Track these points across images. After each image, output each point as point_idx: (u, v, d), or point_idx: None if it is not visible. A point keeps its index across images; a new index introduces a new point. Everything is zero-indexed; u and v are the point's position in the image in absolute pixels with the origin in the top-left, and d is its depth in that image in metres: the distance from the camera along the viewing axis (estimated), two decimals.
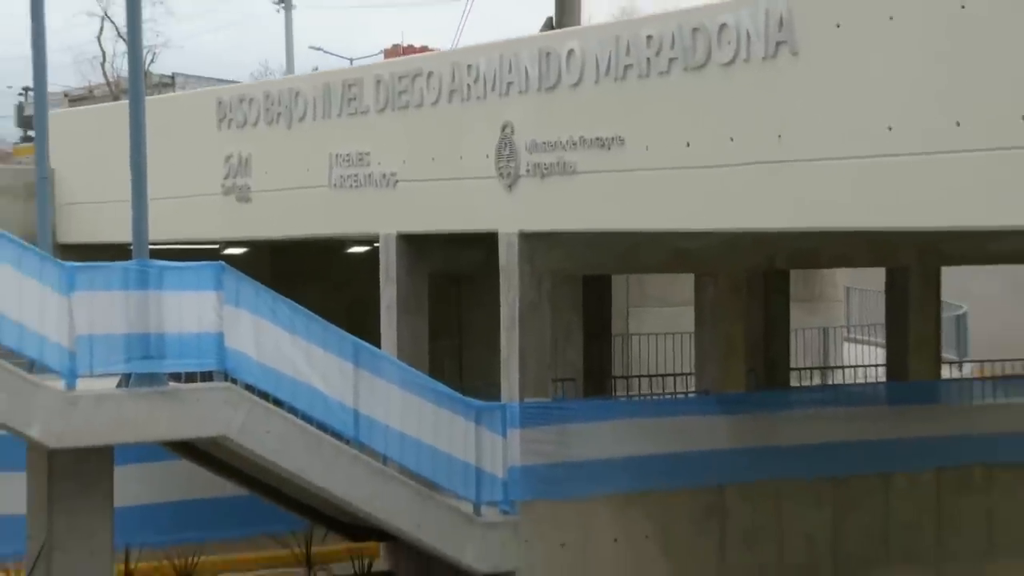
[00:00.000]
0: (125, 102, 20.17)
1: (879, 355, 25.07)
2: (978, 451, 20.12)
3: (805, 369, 24.02)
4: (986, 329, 28.22)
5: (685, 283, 21.28)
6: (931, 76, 12.71)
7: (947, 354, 24.80)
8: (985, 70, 12.20)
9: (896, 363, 20.98)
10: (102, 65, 64.44)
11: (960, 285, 27.17)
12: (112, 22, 60.66)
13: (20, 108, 67.66)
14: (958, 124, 12.38)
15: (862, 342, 30.36)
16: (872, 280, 26.92)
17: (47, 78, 22.43)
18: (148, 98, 18.92)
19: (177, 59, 75.95)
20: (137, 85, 17.77)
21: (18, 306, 15.57)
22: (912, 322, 20.72)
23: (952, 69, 12.53)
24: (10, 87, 61.86)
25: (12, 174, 27.13)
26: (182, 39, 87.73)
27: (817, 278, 30.23)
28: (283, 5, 61.39)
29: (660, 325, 26.02)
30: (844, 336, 31.55)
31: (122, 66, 54.36)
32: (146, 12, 44.51)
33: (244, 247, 22.40)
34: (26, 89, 55.46)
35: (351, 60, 54.33)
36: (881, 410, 20.30)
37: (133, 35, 18.36)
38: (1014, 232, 18.20)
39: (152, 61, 57.09)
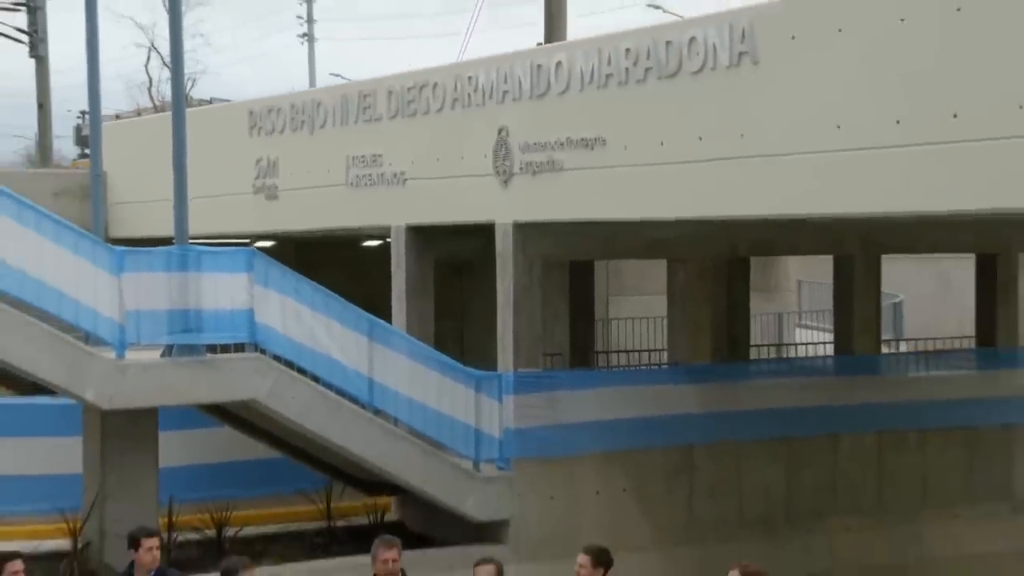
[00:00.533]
0: (167, 114, 20.21)
1: (827, 338, 25.04)
2: (913, 417, 20.16)
3: (763, 346, 24.02)
4: (919, 318, 28.27)
5: (657, 275, 21.17)
6: (874, 81, 12.78)
7: (886, 335, 24.76)
8: (922, 75, 12.29)
9: (842, 341, 21.02)
10: (148, 90, 64.47)
11: (897, 279, 27.19)
12: (158, 52, 60.69)
13: (78, 129, 67.31)
14: (898, 122, 12.42)
15: (812, 328, 30.42)
16: (821, 274, 26.91)
17: (100, 96, 22.48)
18: (189, 109, 18.98)
19: (214, 85, 75.98)
20: (179, 103, 18.01)
21: (75, 285, 15.54)
22: (856, 305, 20.73)
23: (893, 74, 12.60)
24: (69, 111, 61.48)
25: (72, 178, 27.05)
26: (218, 67, 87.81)
27: (773, 270, 30.25)
28: (306, 39, 61.35)
29: (635, 311, 26.11)
30: (796, 323, 31.58)
31: (166, 90, 54.15)
32: (187, 44, 44.61)
33: (272, 240, 22.34)
34: (83, 112, 55.12)
35: None
36: (829, 380, 20.35)
37: (176, 62, 18.49)
38: (942, 222, 18.38)
39: (192, 86, 56.91)
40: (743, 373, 20.10)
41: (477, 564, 11.20)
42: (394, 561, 11.04)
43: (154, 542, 11.39)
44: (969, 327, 22.85)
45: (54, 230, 15.69)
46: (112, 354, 15.62)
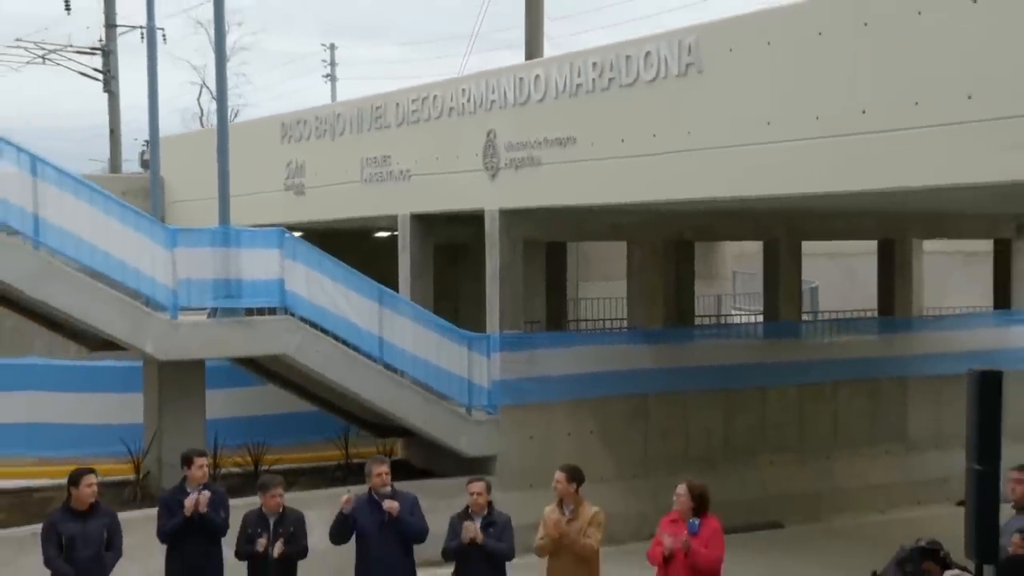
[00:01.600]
0: (212, 128, 20.17)
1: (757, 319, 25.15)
2: (827, 372, 20.18)
3: (705, 316, 24.00)
4: (830, 302, 28.38)
5: (619, 262, 21.09)
6: (798, 84, 12.76)
7: (804, 313, 24.77)
8: (836, 79, 12.28)
9: (770, 310, 20.99)
10: (200, 119, 64.45)
11: (813, 272, 27.37)
12: (208, 88, 60.31)
13: (142, 154, 67.19)
14: (817, 118, 12.39)
15: (743, 310, 30.49)
16: (752, 266, 27.00)
17: (159, 113, 22.53)
18: (232, 123, 18.93)
19: (253, 115, 76.02)
20: (223, 118, 18.19)
21: (137, 258, 15.39)
22: (782, 281, 20.72)
23: (812, 78, 12.58)
24: (136, 139, 61.45)
25: (136, 181, 27.44)
26: (257, 102, 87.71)
27: (713, 260, 30.40)
28: (329, 78, 61.09)
29: (601, 293, 26.25)
30: (732, 305, 31.63)
31: (216, 120, 54.03)
32: (231, 81, 44.74)
33: (300, 231, 22.14)
34: (146, 141, 55.06)
35: None
36: (759, 343, 20.32)
37: (221, 91, 18.41)
38: (851, 212, 18.37)
39: (235, 117, 56.79)
40: (689, 336, 20.03)
41: (470, 482, 11.16)
42: (386, 474, 11.06)
43: (203, 461, 11.39)
44: (871, 309, 22.94)
45: (120, 212, 15.52)
46: (167, 315, 15.50)
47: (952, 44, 10.93)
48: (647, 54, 14.55)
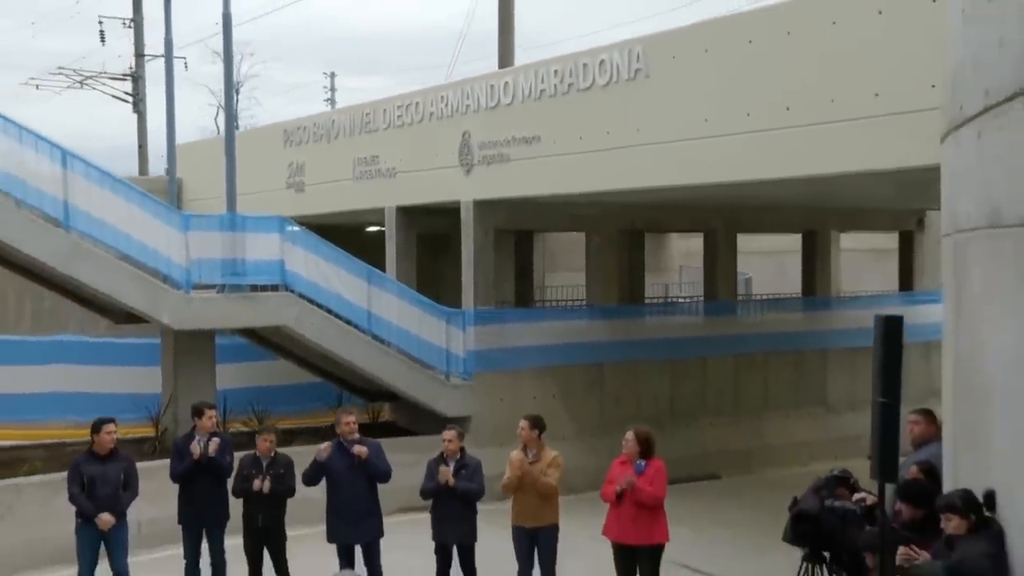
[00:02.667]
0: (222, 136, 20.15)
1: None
2: (758, 344, 20.20)
3: (654, 299, 23.97)
4: (762, 293, 28.47)
5: (581, 256, 21.00)
6: (730, 86, 12.78)
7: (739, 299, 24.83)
8: (764, 81, 12.32)
9: (709, 291, 21.04)
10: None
11: (748, 266, 27.44)
12: (224, 109, 60.03)
13: (167, 170, 66.63)
14: (748, 115, 12.43)
15: (688, 298, 30.43)
16: (696, 261, 27.02)
17: (175, 125, 22.39)
18: (241, 131, 18.84)
19: None
20: (230, 129, 18.53)
21: (155, 240, 15.32)
22: (719, 265, 20.78)
23: (743, 81, 12.63)
24: (162, 156, 61.23)
25: (158, 183, 26.85)
26: (267, 121, 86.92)
27: (662, 255, 30.36)
28: (329, 102, 60.66)
29: (564, 282, 26.05)
30: (678, 293, 31.64)
31: None
32: (243, 103, 44.84)
33: (301, 225, 22.08)
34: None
35: None
36: (700, 319, 20.38)
37: (229, 107, 18.32)
38: (779, 205, 18.41)
39: None
40: (640, 313, 20.04)
41: (445, 429, 11.17)
42: (353, 423, 11.03)
43: (212, 412, 11.34)
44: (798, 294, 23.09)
45: (139, 200, 15.45)
46: (181, 290, 15.42)
47: (862, 50, 11.01)
48: (601, 62, 14.56)
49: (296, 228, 16.84)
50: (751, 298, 24.13)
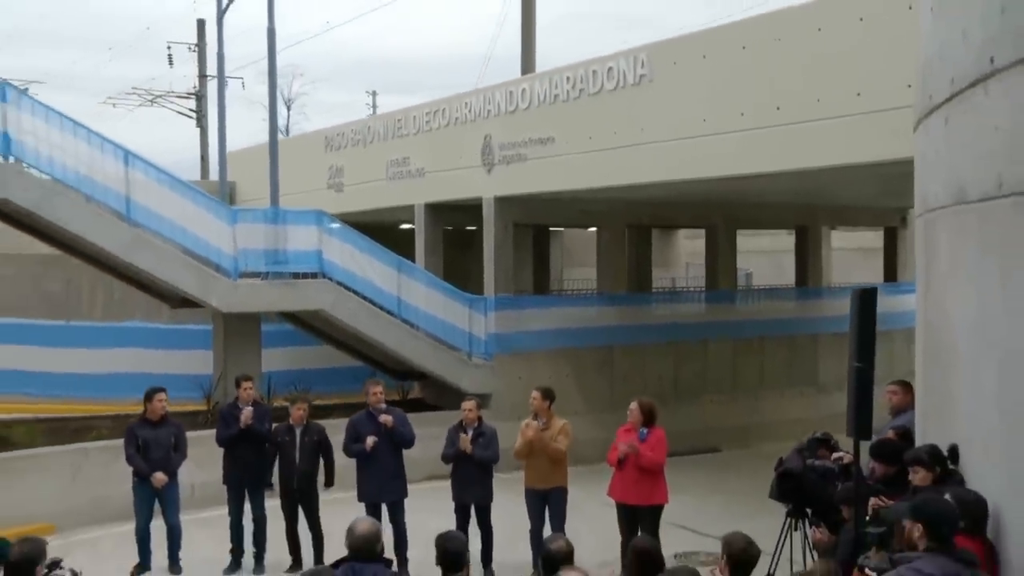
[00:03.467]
0: (285, 141, 20.22)
1: None
2: (755, 329, 20.08)
3: (661, 289, 23.91)
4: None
5: (595, 254, 20.93)
6: (726, 88, 12.71)
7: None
8: (757, 84, 12.26)
9: (711, 281, 20.92)
10: None
11: (749, 264, 27.38)
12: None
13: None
14: (742, 114, 12.37)
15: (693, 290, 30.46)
16: (701, 257, 27.01)
17: (226, 135, 22.58)
18: (287, 138, 18.86)
19: None
20: (273, 139, 18.37)
21: (206, 232, 15.42)
22: (719, 259, 20.68)
23: (737, 84, 12.56)
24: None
25: (212, 185, 26.86)
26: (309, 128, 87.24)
27: (669, 252, 30.39)
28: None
29: (580, 276, 26.07)
30: (683, 286, 31.64)
31: None
32: (295, 117, 44.79)
33: (340, 222, 22.13)
34: None
35: None
36: (702, 306, 20.31)
37: (273, 110, 18.35)
38: (774, 203, 18.33)
39: None
40: (646, 300, 20.05)
41: (464, 400, 11.19)
42: (380, 393, 11.03)
43: (249, 384, 11.33)
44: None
45: (192, 196, 15.59)
46: (229, 277, 15.50)
47: (844, 53, 10.94)
48: (609, 69, 14.53)
49: (331, 217, 16.90)
50: (750, 288, 24.05)
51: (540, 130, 16.03)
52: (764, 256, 30.49)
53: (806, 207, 20.56)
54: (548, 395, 10.87)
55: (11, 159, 14.02)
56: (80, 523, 12.82)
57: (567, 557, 5.98)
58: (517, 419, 15.58)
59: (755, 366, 19.99)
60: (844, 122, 10.84)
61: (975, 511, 5.28)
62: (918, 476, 6.14)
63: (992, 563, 5.25)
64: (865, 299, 7.06)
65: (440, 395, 17.93)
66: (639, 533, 10.20)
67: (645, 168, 14.02)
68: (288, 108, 55.89)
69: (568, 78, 15.37)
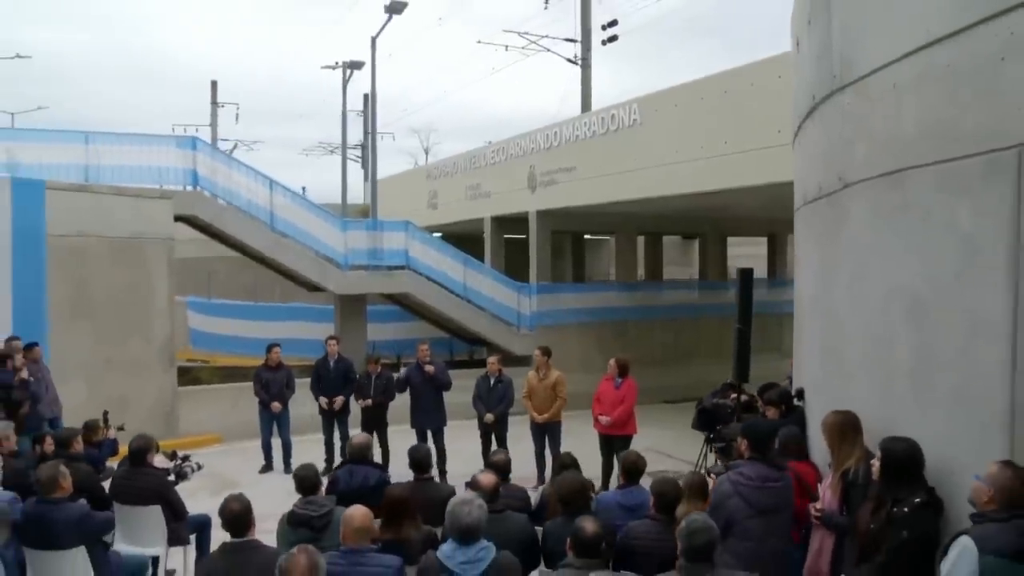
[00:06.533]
0: (401, 173, 20.53)
1: None
2: (735, 309, 19.44)
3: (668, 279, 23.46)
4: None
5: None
6: (693, 127, 12.39)
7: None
8: (710, 124, 11.86)
9: (703, 276, 20.60)
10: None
11: (750, 263, 26.51)
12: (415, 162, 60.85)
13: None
14: (701, 147, 12.05)
15: None
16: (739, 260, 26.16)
17: (377, 173, 22.81)
18: (402, 172, 18.82)
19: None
20: (373, 177, 17.95)
21: (326, 237, 15.61)
22: (709, 258, 20.27)
23: (697, 125, 12.23)
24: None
25: (362, 209, 27.41)
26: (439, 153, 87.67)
27: (691, 254, 29.67)
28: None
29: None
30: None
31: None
32: (426, 142, 44.48)
33: (439, 232, 22.32)
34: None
35: None
36: (696, 292, 19.91)
37: (372, 155, 18.41)
38: (748, 216, 17.73)
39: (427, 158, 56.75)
40: (653, 287, 19.73)
41: (489, 356, 11.09)
42: (426, 349, 10.90)
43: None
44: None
45: (316, 211, 15.79)
46: (341, 269, 15.67)
47: (769, 102, 10.60)
48: (613, 115, 14.37)
49: (415, 225, 16.92)
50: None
51: (567, 161, 15.96)
52: (758, 260, 29.53)
53: (770, 220, 19.94)
54: (546, 352, 10.71)
55: (198, 188, 14.49)
56: (236, 436, 13.01)
57: (504, 466, 5.89)
58: None
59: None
60: (769, 151, 10.51)
61: (789, 439, 5.13)
62: (770, 412, 5.95)
63: (817, 480, 5.07)
64: (744, 277, 6.84)
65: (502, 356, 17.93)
66: (614, 456, 10.04)
67: (637, 187, 13.87)
68: (426, 155, 56.26)
69: (585, 123, 15.27)
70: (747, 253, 26.37)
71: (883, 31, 4.30)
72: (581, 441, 11.46)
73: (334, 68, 27.05)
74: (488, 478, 5.01)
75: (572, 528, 4.07)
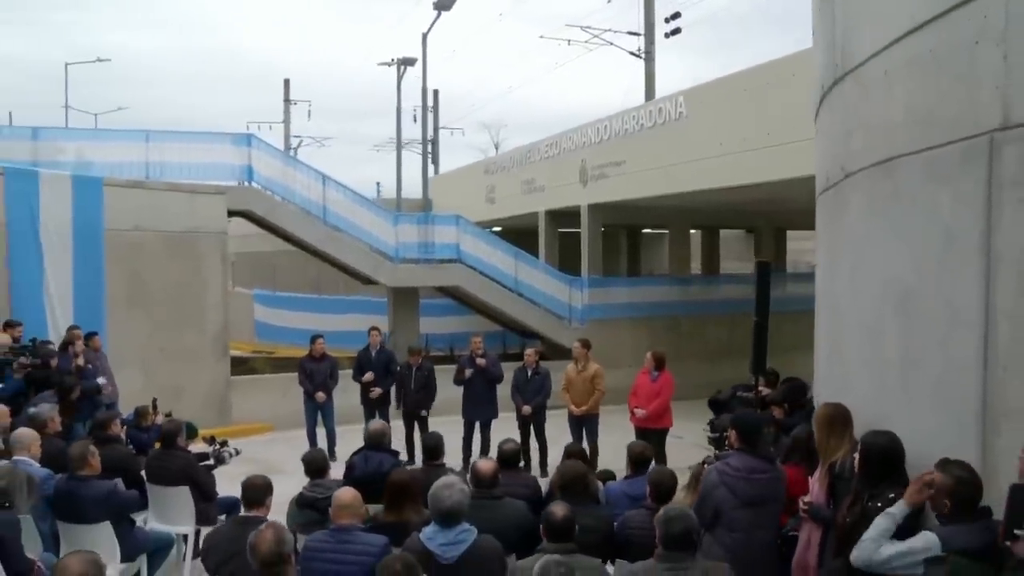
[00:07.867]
0: (460, 168, 20.76)
1: None
2: (790, 305, 18.80)
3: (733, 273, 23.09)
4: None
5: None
6: (732, 121, 12.18)
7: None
8: (747, 119, 11.67)
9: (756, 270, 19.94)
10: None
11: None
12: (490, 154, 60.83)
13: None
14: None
15: None
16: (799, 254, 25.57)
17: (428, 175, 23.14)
18: (460, 168, 18.94)
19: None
20: (425, 175, 18.13)
21: (378, 231, 15.87)
22: (764, 252, 19.93)
23: (741, 118, 12.04)
24: (430, 199, 63.30)
25: (415, 203, 27.73)
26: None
27: (747, 247, 29.10)
28: None
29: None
30: None
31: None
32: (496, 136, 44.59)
33: (498, 227, 22.35)
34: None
35: None
36: (748, 287, 19.28)
37: (425, 153, 18.64)
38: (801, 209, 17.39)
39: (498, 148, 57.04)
40: (705, 281, 19.42)
41: (527, 348, 11.17)
42: (479, 343, 11.02)
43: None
44: None
45: (367, 205, 16.19)
46: (393, 262, 15.91)
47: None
48: (660, 109, 14.27)
49: (466, 219, 17.00)
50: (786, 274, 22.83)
51: (616, 155, 15.90)
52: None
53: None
54: (586, 345, 10.75)
55: (253, 183, 14.93)
56: (287, 425, 13.32)
57: (512, 455, 5.96)
58: (605, 365, 15.58)
59: (790, 333, 18.91)
60: (798, 146, 10.29)
61: (798, 439, 5.07)
62: (777, 412, 5.90)
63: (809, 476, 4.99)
64: (762, 270, 6.76)
65: (549, 348, 17.81)
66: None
67: (682, 180, 13.75)
68: (496, 150, 56.23)
69: (633, 116, 15.18)
70: (808, 248, 25.71)
71: (876, 18, 4.22)
72: (619, 435, 11.49)
73: (389, 65, 27.49)
74: (487, 465, 5.11)
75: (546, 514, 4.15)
